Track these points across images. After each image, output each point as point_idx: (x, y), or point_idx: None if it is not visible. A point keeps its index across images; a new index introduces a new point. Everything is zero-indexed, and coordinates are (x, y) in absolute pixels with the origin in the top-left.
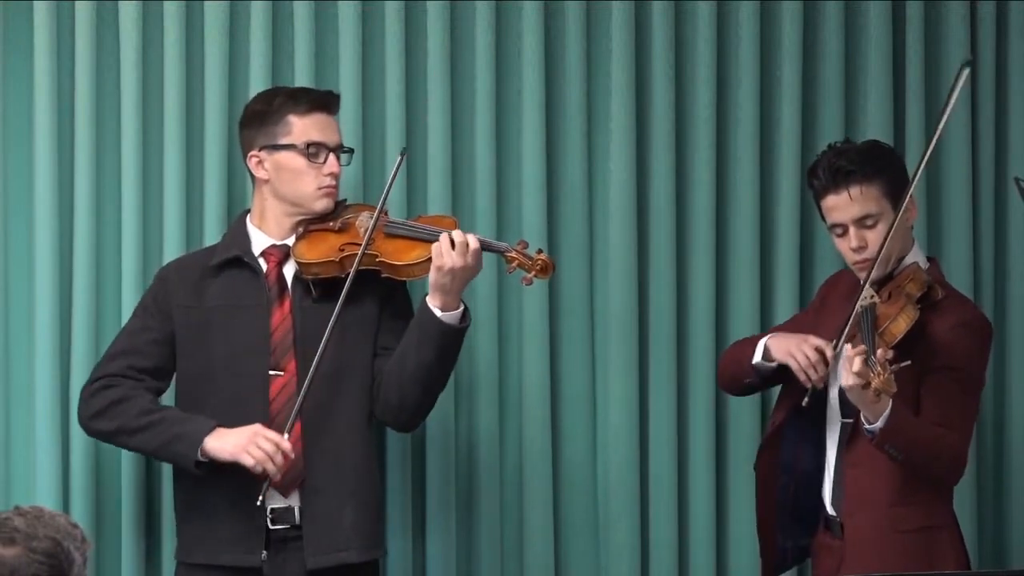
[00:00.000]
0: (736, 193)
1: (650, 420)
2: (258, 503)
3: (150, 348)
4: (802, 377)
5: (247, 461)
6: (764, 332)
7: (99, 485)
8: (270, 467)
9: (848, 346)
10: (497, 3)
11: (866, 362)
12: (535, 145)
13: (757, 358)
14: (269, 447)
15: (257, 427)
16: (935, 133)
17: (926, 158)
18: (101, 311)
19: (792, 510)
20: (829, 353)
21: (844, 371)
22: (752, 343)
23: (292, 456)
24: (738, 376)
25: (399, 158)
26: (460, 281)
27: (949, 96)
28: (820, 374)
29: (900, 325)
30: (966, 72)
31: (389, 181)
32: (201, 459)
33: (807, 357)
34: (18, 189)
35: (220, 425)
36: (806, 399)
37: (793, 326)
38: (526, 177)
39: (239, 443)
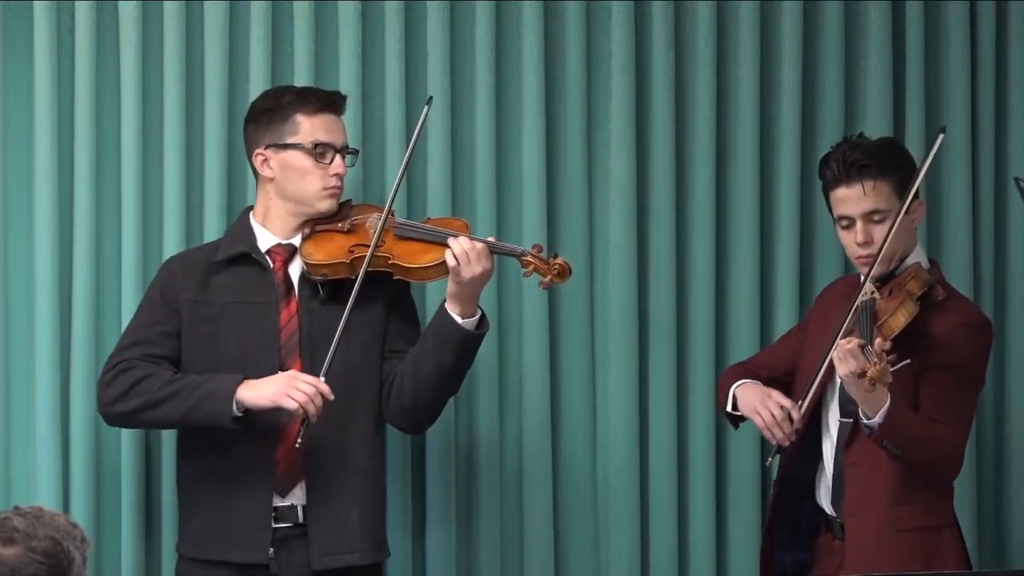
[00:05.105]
0: (736, 193)
1: (650, 420)
2: (295, 445)
3: (162, 340)
4: (767, 435)
5: (289, 404)
6: (752, 361)
7: (99, 485)
8: (311, 409)
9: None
10: (497, 3)
11: (863, 351)
12: (535, 145)
13: (728, 407)
14: (309, 389)
15: (292, 372)
16: (909, 193)
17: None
18: (101, 311)
19: (791, 522)
20: (795, 415)
21: (839, 362)
22: (734, 376)
23: (331, 397)
24: (720, 407)
25: (426, 108)
26: (477, 287)
27: (923, 159)
28: (786, 432)
29: (899, 319)
30: (940, 138)
31: (400, 172)
32: (238, 413)
33: (772, 416)
34: (18, 189)
35: (247, 377)
36: (769, 459)
37: (785, 343)
38: (526, 177)
39: (278, 389)
